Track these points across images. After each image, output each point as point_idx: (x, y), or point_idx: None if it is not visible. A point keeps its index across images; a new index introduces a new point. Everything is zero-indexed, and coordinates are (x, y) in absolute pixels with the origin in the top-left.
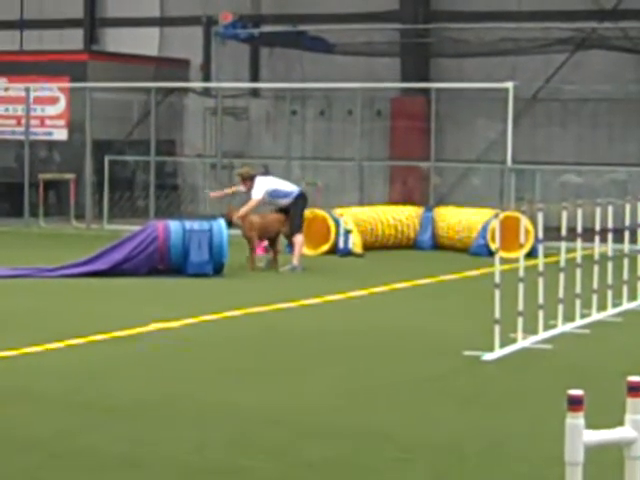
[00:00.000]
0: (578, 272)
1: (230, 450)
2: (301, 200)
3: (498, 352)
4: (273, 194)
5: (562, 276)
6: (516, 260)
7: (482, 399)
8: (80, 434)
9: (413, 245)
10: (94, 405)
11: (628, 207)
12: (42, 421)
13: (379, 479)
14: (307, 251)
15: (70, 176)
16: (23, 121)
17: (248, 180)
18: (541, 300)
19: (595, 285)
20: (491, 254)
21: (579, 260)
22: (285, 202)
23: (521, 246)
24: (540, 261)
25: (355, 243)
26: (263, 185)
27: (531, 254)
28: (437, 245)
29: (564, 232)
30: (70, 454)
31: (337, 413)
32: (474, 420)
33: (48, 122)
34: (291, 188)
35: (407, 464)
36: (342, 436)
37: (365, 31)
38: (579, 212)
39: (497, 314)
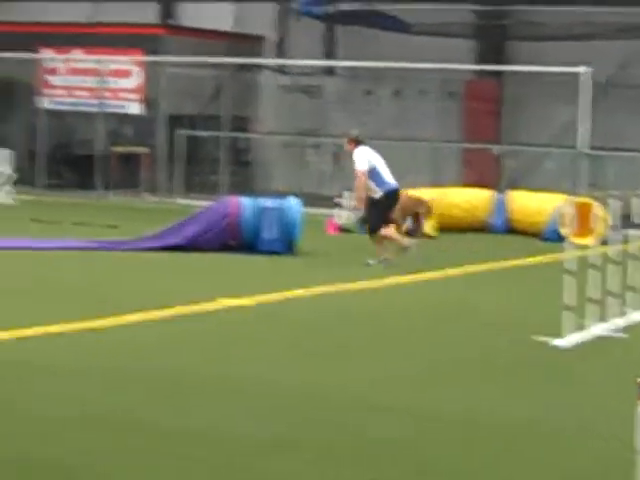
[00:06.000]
0: None
1: (292, 426)
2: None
3: (569, 338)
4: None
5: (635, 265)
6: (588, 247)
7: (552, 384)
8: (141, 408)
9: (486, 228)
10: (155, 380)
11: None
12: (107, 395)
13: (453, 459)
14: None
15: (143, 150)
16: (97, 94)
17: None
18: (613, 288)
19: None
20: (563, 240)
21: None
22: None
23: (593, 233)
24: (612, 248)
25: (428, 225)
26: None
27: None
28: (510, 229)
29: (637, 220)
30: (129, 429)
31: (406, 392)
32: (545, 403)
33: (122, 95)
34: (389, 178)
35: (481, 445)
36: (411, 414)
37: (441, 12)
38: None
39: (568, 300)
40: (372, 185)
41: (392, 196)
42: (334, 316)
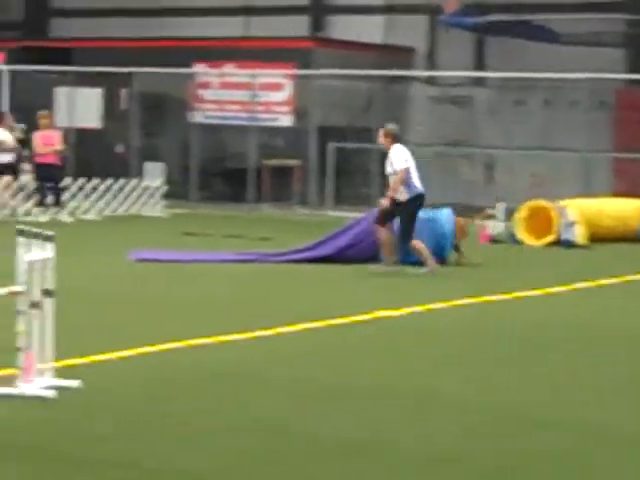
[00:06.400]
0: None
1: (453, 440)
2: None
3: None
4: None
5: None
6: None
7: None
8: (301, 419)
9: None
10: (316, 391)
11: None
12: (265, 405)
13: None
14: (531, 242)
15: (294, 162)
16: (249, 107)
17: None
18: None
19: None
20: None
21: None
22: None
23: None
24: None
25: (580, 234)
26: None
27: None
28: None
29: None
30: (289, 439)
31: (560, 406)
32: None
33: (273, 108)
34: (417, 182)
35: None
36: (566, 428)
37: (591, 21)
38: None
39: None
40: (401, 186)
41: (418, 200)
42: (484, 327)
